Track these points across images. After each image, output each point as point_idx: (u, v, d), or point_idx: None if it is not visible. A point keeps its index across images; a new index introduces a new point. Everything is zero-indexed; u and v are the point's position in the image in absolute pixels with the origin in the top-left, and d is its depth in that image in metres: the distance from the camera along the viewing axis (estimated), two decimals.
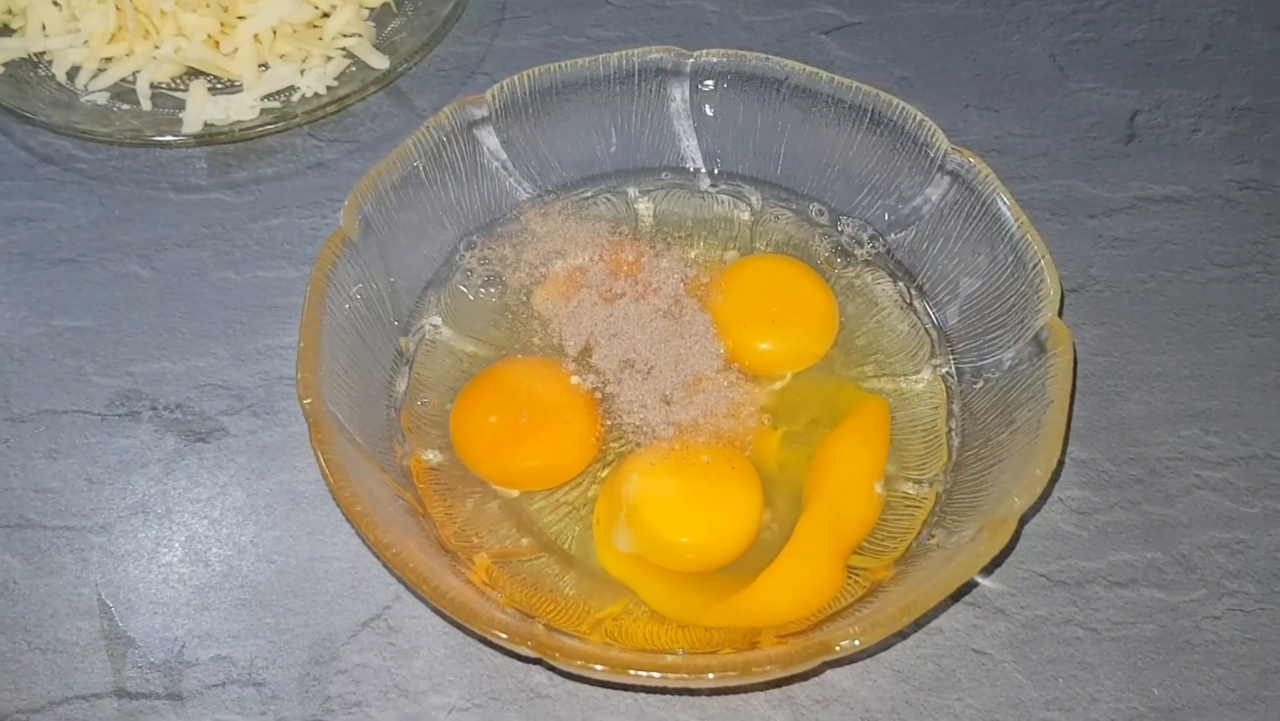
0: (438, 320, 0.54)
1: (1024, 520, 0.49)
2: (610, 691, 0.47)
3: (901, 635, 0.49)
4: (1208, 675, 0.48)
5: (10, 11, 0.67)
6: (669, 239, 0.57)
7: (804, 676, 0.47)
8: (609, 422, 0.51)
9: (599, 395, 0.51)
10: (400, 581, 0.46)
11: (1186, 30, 0.72)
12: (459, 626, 0.46)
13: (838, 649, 0.40)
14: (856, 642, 0.41)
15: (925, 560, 0.46)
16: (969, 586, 0.50)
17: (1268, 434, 0.55)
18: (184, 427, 0.55)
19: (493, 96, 0.55)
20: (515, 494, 0.50)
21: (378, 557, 0.43)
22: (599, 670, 0.40)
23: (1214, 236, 0.62)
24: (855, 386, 0.53)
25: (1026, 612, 0.50)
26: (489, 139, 0.55)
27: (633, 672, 0.40)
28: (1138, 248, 0.61)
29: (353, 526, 0.42)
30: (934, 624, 0.49)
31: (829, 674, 0.48)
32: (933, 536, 0.47)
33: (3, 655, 0.48)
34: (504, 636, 0.40)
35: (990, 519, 0.44)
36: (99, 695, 0.47)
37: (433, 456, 0.51)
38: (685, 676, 0.40)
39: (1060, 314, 0.48)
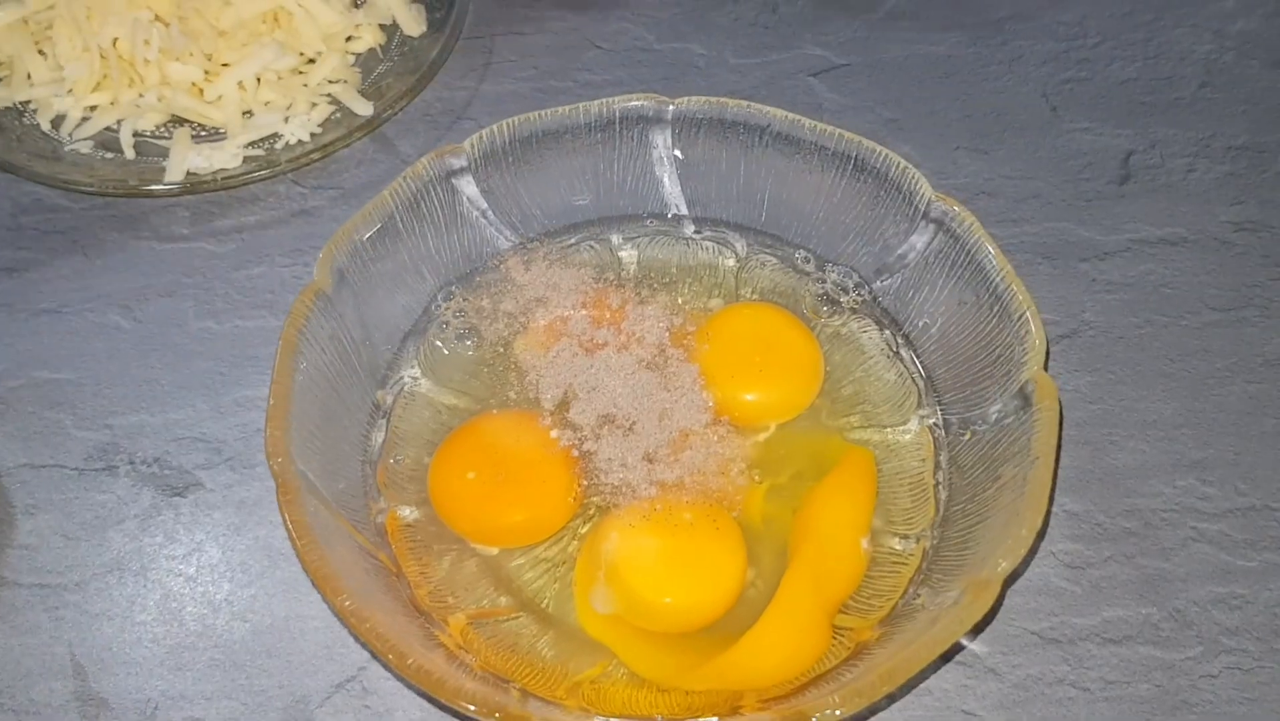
0: (416, 372, 0.54)
1: (1011, 578, 0.48)
2: None
3: (889, 697, 0.47)
4: None
5: None
6: (653, 286, 0.57)
7: None
8: (585, 482, 0.49)
9: (575, 453, 0.50)
10: (367, 649, 0.45)
11: (1181, 68, 0.71)
12: (426, 697, 0.45)
13: (815, 719, 0.39)
14: (837, 712, 0.39)
15: (910, 621, 0.44)
16: (955, 648, 0.49)
17: (1266, 484, 0.53)
18: (161, 482, 0.54)
19: (472, 146, 0.54)
20: (494, 551, 0.49)
21: (343, 625, 0.42)
22: None
23: (1210, 280, 0.61)
24: (841, 437, 0.52)
25: (1018, 672, 0.48)
26: (468, 188, 0.55)
27: None
28: (1132, 291, 0.60)
29: (318, 591, 0.42)
30: (923, 684, 0.48)
31: None
32: (918, 596, 0.46)
33: None
34: (472, 708, 0.39)
35: (974, 580, 0.43)
36: None
37: (409, 513, 0.50)
38: None
39: (1046, 366, 0.47)
